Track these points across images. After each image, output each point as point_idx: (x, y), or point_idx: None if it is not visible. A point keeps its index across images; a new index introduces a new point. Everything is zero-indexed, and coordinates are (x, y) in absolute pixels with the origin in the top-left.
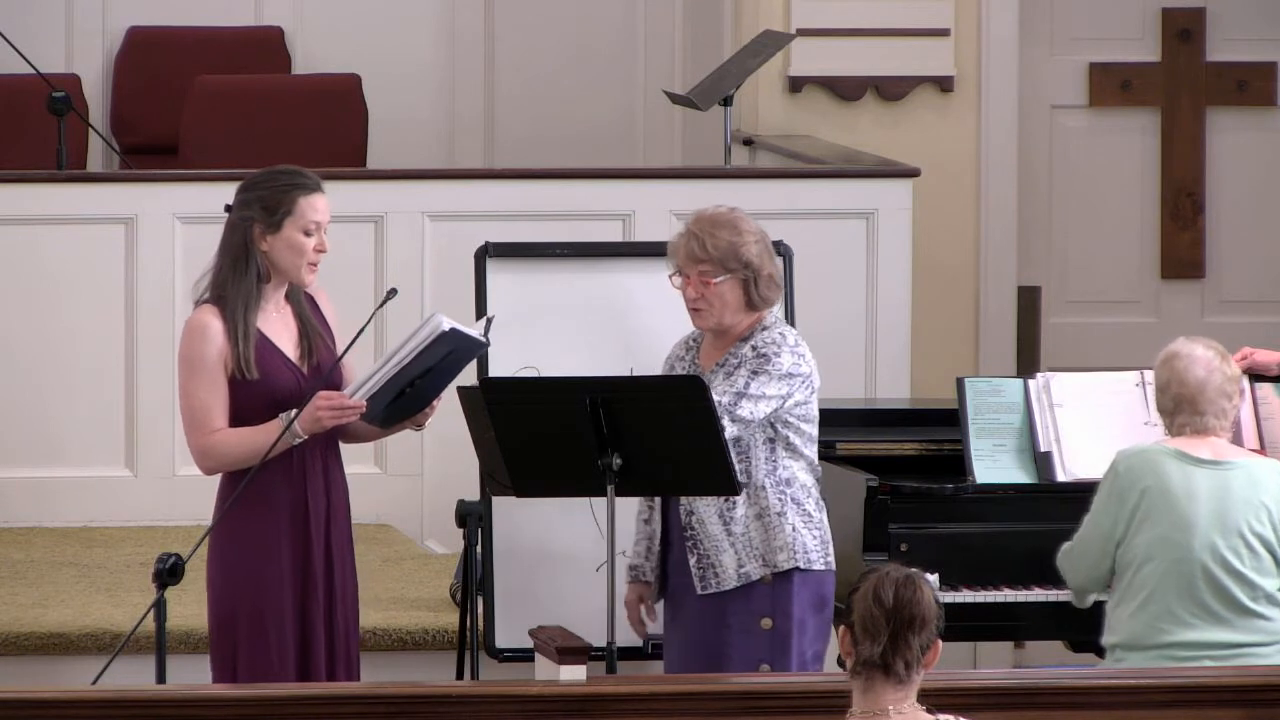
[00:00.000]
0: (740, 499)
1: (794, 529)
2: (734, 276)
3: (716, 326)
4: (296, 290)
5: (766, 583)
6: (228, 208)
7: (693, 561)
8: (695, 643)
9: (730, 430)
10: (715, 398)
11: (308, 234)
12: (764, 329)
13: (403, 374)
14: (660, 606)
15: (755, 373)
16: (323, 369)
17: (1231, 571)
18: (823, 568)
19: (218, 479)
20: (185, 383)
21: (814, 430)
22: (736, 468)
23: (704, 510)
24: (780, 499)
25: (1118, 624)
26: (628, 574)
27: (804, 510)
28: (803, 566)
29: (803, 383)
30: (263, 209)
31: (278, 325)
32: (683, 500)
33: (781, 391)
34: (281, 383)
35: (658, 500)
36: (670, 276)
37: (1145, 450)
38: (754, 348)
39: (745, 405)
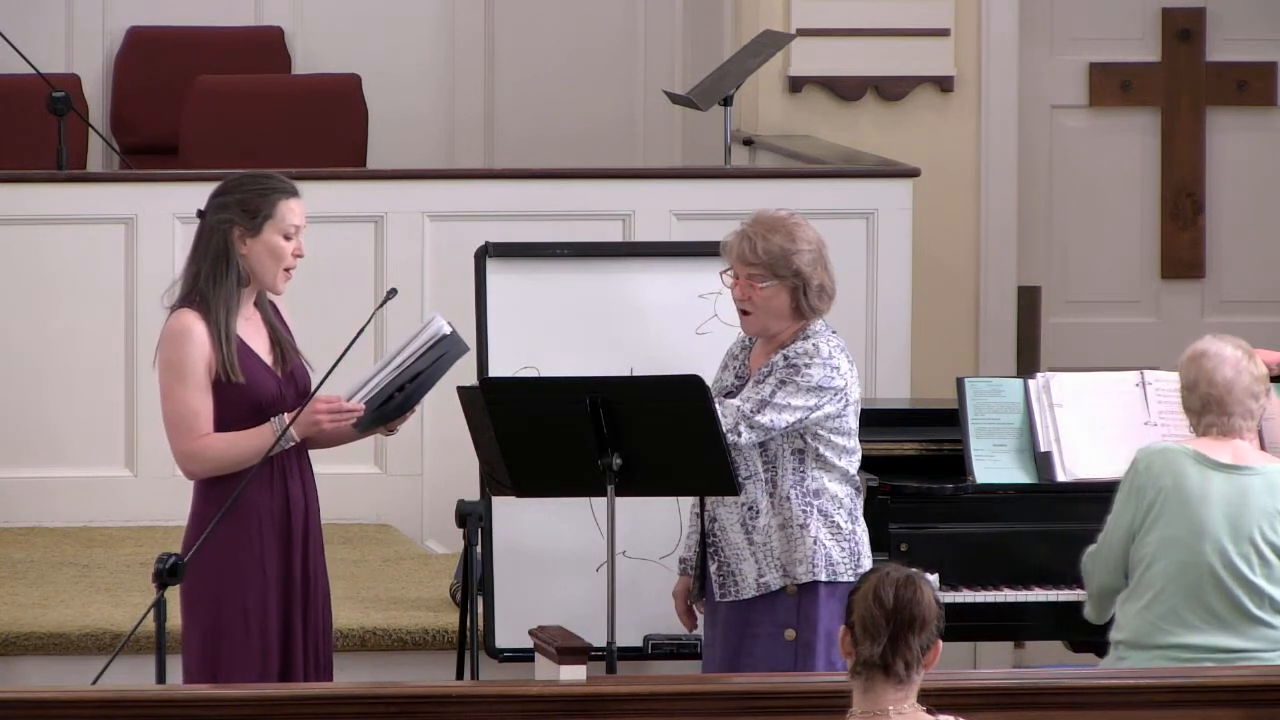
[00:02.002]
0: (764, 508)
1: (816, 541)
2: (782, 283)
3: (762, 332)
4: (263, 296)
5: (791, 594)
6: (200, 213)
7: (713, 568)
8: (724, 648)
9: (748, 437)
10: (738, 403)
11: (287, 238)
12: (804, 338)
13: (400, 377)
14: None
15: (783, 383)
16: (295, 374)
17: (1239, 578)
18: (851, 579)
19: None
20: (169, 388)
21: (849, 442)
22: (762, 476)
23: (727, 518)
24: (805, 510)
25: (1124, 620)
26: (679, 566)
27: (832, 522)
28: (826, 579)
29: (834, 396)
30: (243, 212)
31: (251, 330)
32: (708, 506)
33: (808, 404)
34: (264, 387)
35: (697, 504)
36: (722, 274)
37: (1167, 449)
38: (786, 357)
39: (767, 413)
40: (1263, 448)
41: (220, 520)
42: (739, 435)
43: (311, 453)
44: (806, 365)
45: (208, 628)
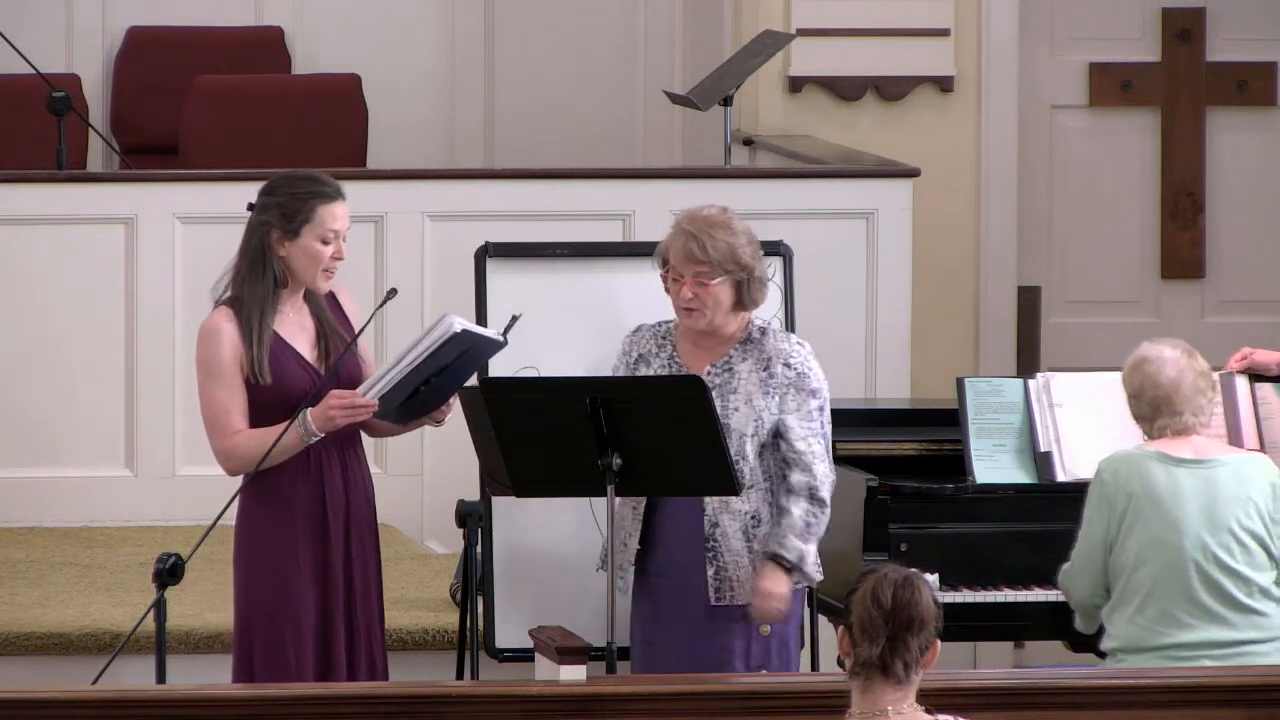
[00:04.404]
0: (765, 517)
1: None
2: (730, 278)
3: (708, 327)
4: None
5: None
6: (250, 206)
7: (711, 573)
8: (694, 647)
9: (829, 473)
10: (799, 432)
11: (325, 242)
12: (764, 333)
13: (415, 374)
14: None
15: (812, 392)
16: (341, 370)
17: (1225, 568)
18: (819, 577)
19: (236, 482)
20: (203, 386)
21: None
22: (763, 486)
23: (729, 525)
24: None
25: (1115, 629)
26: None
27: (806, 523)
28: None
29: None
30: (281, 215)
31: (294, 327)
32: (706, 511)
33: (820, 404)
34: (296, 385)
35: (642, 500)
36: (662, 275)
37: (1129, 455)
38: (787, 364)
39: (829, 442)
40: (1262, 448)
41: (259, 513)
42: (829, 472)
43: None
44: (809, 369)
45: (243, 620)
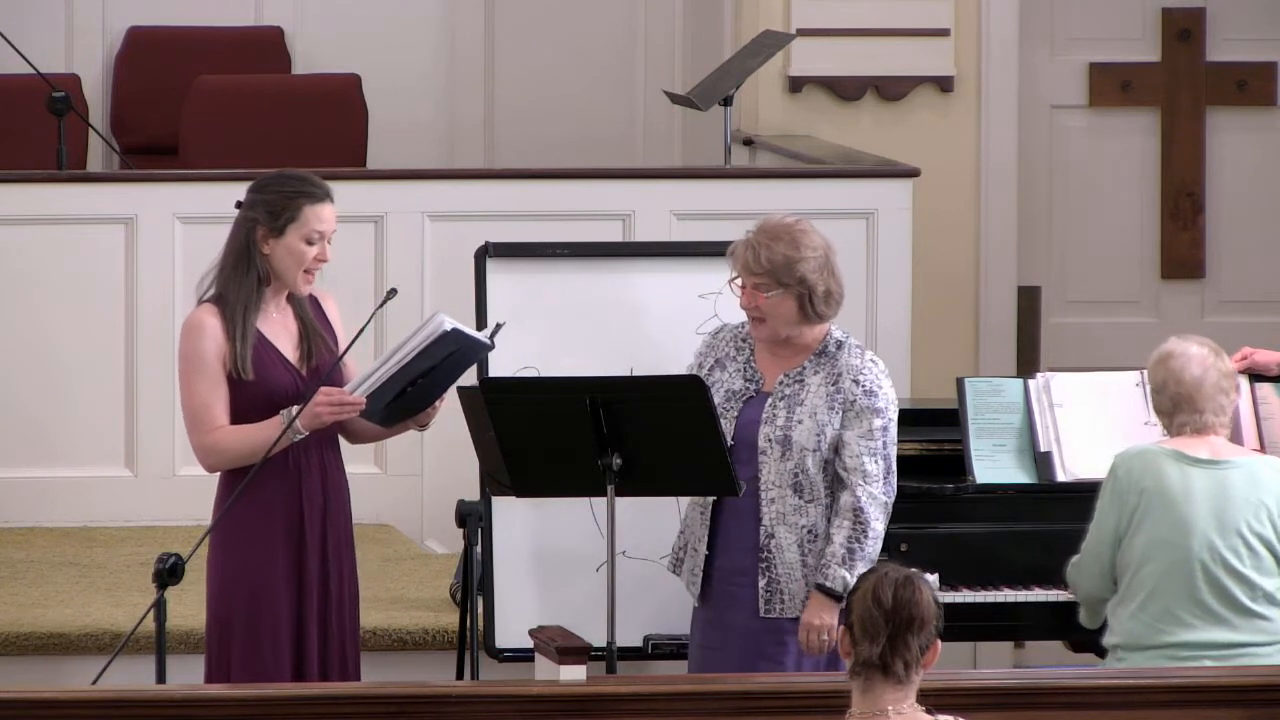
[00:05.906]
0: (822, 531)
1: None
2: (787, 291)
3: (772, 337)
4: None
5: None
6: (239, 204)
7: (763, 584)
8: (746, 656)
9: (883, 493)
10: (854, 449)
11: (310, 242)
12: (839, 346)
13: (403, 372)
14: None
15: (876, 411)
16: (322, 371)
17: (1231, 571)
18: None
19: (217, 478)
20: (185, 382)
21: None
22: (824, 501)
23: (785, 537)
24: None
25: (1118, 625)
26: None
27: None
28: None
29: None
30: (267, 212)
31: (277, 326)
32: (764, 521)
33: (885, 423)
34: (278, 384)
35: (709, 502)
36: (730, 282)
37: (1144, 451)
38: (856, 381)
39: (891, 463)
40: (1262, 448)
41: (235, 512)
42: (883, 492)
43: None
44: (878, 387)
45: (220, 620)
